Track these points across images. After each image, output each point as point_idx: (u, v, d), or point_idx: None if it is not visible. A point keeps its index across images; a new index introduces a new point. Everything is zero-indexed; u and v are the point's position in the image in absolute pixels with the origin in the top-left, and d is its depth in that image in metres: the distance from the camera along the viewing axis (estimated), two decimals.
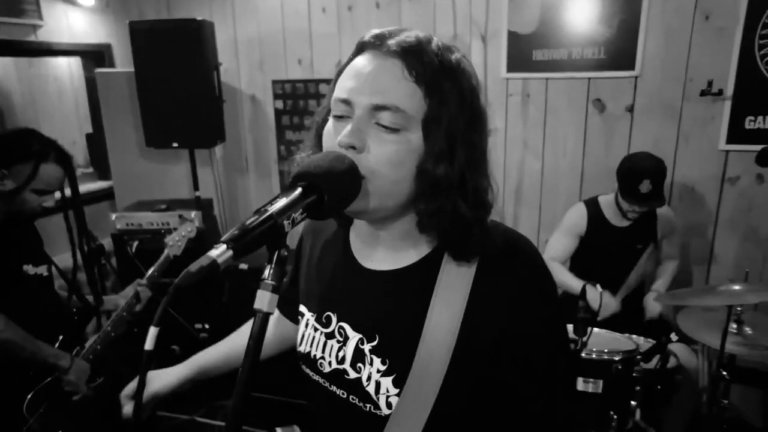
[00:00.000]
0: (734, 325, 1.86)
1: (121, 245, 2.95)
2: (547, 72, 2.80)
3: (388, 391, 0.79)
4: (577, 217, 2.52)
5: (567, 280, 2.41)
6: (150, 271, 2.18)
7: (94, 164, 4.02)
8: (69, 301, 2.07)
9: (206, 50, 3.02)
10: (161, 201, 3.21)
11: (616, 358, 1.80)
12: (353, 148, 0.74)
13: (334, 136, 0.77)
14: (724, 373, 1.85)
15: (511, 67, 2.87)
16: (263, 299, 0.68)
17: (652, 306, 2.42)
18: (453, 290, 0.79)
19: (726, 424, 1.99)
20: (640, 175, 2.24)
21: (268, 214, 0.66)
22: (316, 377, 0.89)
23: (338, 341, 0.86)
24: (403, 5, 3.04)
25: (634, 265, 2.40)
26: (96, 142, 3.81)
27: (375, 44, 0.77)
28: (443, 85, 0.74)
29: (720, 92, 2.50)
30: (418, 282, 0.82)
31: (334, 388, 0.86)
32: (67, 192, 1.94)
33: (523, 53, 2.83)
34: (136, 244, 2.90)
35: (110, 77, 3.42)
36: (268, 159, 3.66)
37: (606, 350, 1.83)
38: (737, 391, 2.51)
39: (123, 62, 3.69)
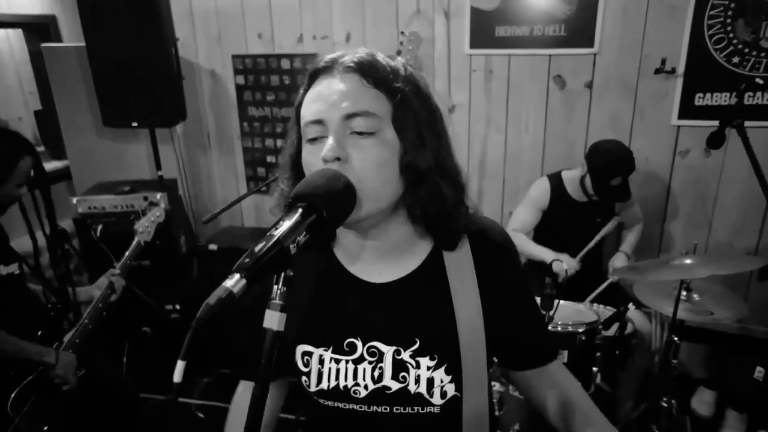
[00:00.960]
0: (684, 293, 2.01)
1: (85, 229, 2.88)
2: (509, 48, 2.85)
3: (442, 382, 0.87)
4: (540, 192, 2.62)
5: (531, 249, 2.54)
6: (123, 259, 2.16)
7: (45, 143, 3.85)
8: (45, 296, 2.04)
9: (163, 24, 2.90)
10: (123, 182, 3.13)
11: (580, 330, 1.93)
12: (338, 159, 0.79)
13: (315, 157, 0.81)
14: (676, 338, 2.02)
15: (475, 43, 2.90)
16: (273, 318, 0.71)
17: (618, 264, 2.55)
18: (463, 276, 0.89)
19: (674, 381, 2.18)
20: (614, 172, 2.34)
21: (275, 239, 0.69)
22: (350, 406, 0.89)
23: (370, 362, 0.88)
24: None
25: (594, 236, 2.53)
26: (48, 119, 3.64)
27: (327, 68, 0.84)
28: (400, 85, 0.82)
29: (673, 70, 2.61)
30: (432, 278, 0.89)
31: (374, 408, 0.88)
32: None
33: (485, 29, 2.86)
34: (100, 227, 2.84)
35: (58, 52, 3.25)
36: (231, 135, 3.60)
37: (570, 323, 1.96)
38: (683, 348, 2.74)
39: (71, 36, 3.51)
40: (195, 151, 3.69)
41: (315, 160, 0.81)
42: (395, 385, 0.88)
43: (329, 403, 0.91)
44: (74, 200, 2.90)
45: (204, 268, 3.22)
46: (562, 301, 2.15)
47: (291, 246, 0.71)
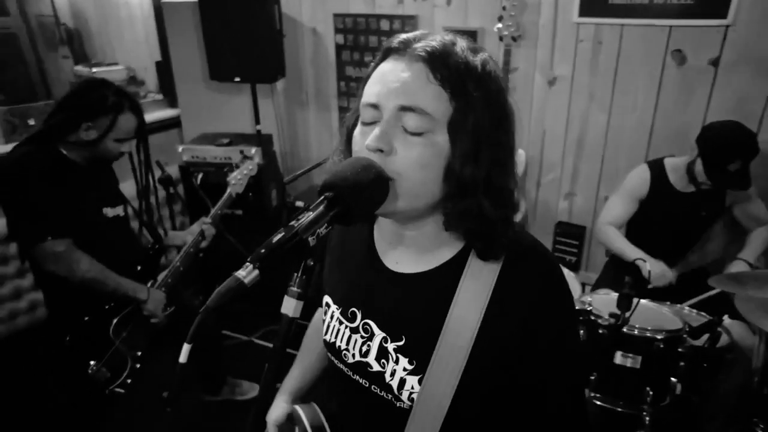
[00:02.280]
0: None
1: (188, 176, 3.11)
2: (623, 17, 2.58)
3: (412, 388, 0.84)
4: (639, 180, 2.40)
5: (622, 247, 2.33)
6: (214, 210, 2.31)
7: (164, 91, 4.17)
8: (140, 235, 2.24)
9: None
10: (224, 134, 3.32)
11: (659, 337, 1.77)
12: (381, 151, 0.77)
13: (362, 141, 0.80)
14: None
15: (584, 11, 2.66)
16: (289, 305, 0.74)
17: (737, 268, 2.25)
18: (475, 288, 0.82)
19: None
20: (734, 154, 2.05)
21: (293, 231, 0.70)
22: (340, 365, 0.95)
23: (362, 336, 0.90)
24: None
25: (697, 238, 2.28)
26: (164, 70, 3.92)
27: (400, 50, 0.79)
28: (468, 87, 0.76)
29: None
30: (443, 284, 0.85)
31: (357, 377, 0.92)
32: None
33: None
34: (200, 176, 3.06)
35: (176, 7, 3.45)
36: (327, 94, 3.66)
37: (649, 328, 1.80)
38: None
39: None
40: (293, 108, 3.81)
41: (361, 143, 0.80)
42: (376, 366, 0.89)
43: (328, 354, 0.98)
44: (180, 149, 3.13)
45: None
46: (644, 301, 1.98)
47: (310, 238, 0.71)
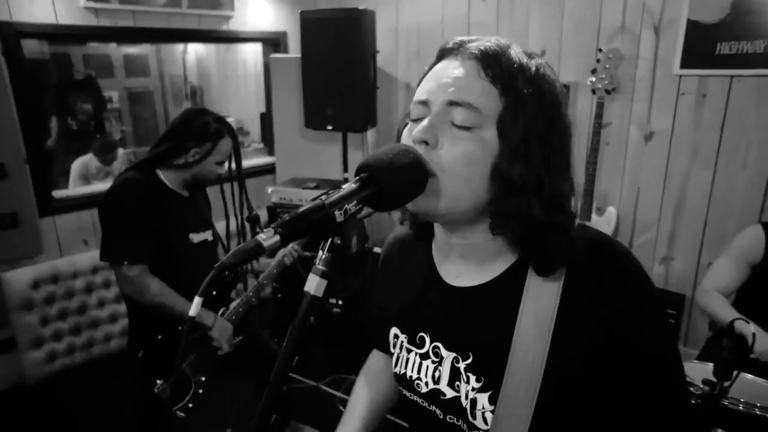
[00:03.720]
0: None
1: (275, 217, 3.25)
2: (732, 68, 2.41)
3: (483, 408, 0.79)
4: (750, 241, 2.13)
5: (729, 316, 2.05)
6: (292, 245, 2.35)
7: (264, 140, 4.48)
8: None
9: (365, 38, 3.15)
10: (312, 179, 3.46)
11: (758, 413, 1.50)
12: (426, 143, 0.74)
13: (409, 136, 0.78)
14: None
15: (687, 62, 2.52)
16: (312, 283, 0.71)
17: None
18: (541, 299, 0.76)
19: None
20: None
21: (320, 203, 0.68)
22: (414, 398, 0.89)
23: (433, 362, 0.86)
24: None
25: None
26: (267, 120, 4.22)
27: (454, 50, 0.79)
28: (519, 85, 0.73)
29: None
30: (504, 295, 0.80)
31: (433, 408, 0.86)
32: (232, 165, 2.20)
33: (703, 46, 2.46)
34: (287, 217, 3.17)
35: (282, 62, 3.75)
36: None
37: (758, 405, 1.53)
38: None
39: (295, 48, 4.02)
40: None
41: (408, 138, 0.79)
42: (450, 393, 0.83)
43: (401, 388, 0.92)
44: (269, 190, 3.29)
45: (371, 270, 3.36)
46: (746, 375, 1.71)
47: (337, 213, 0.69)
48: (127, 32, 3.30)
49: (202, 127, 1.99)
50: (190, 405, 2.00)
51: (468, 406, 0.80)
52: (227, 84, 5.39)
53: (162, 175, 2.02)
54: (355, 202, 0.71)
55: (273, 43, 4.07)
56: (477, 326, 0.82)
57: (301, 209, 0.68)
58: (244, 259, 0.65)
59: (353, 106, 3.28)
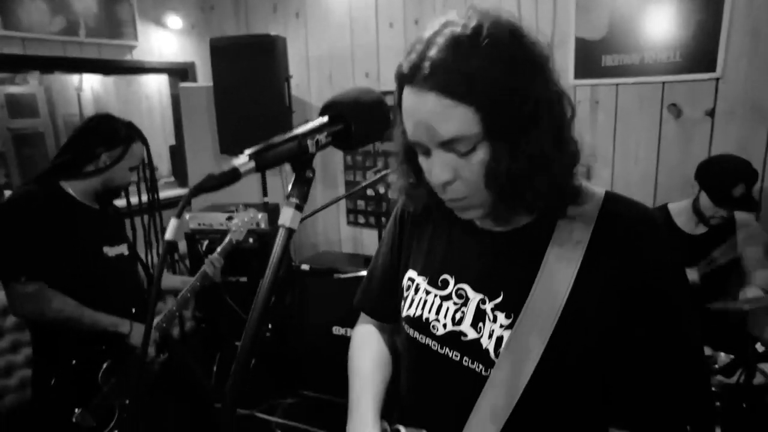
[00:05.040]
0: None
1: (193, 243, 3.10)
2: (617, 77, 2.70)
3: None
4: None
5: None
6: (214, 254, 2.25)
7: (176, 174, 4.30)
8: (146, 281, 2.18)
9: (278, 64, 3.18)
10: (232, 204, 3.36)
11: None
12: (449, 183, 0.78)
13: (428, 172, 0.82)
14: None
15: (579, 73, 2.79)
16: (287, 215, 0.70)
17: (751, 294, 2.12)
18: (570, 243, 0.80)
19: None
20: (735, 179, 2.10)
21: (293, 134, 0.68)
22: (426, 340, 0.90)
23: (455, 303, 0.88)
24: None
25: (712, 283, 2.20)
26: (177, 153, 4.07)
27: (410, 78, 0.77)
28: (484, 85, 0.71)
29: None
30: (534, 239, 0.84)
31: (446, 350, 0.87)
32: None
33: (591, 59, 2.75)
34: (206, 243, 3.05)
35: (192, 92, 3.67)
36: (334, 169, 3.75)
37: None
38: None
39: (204, 77, 3.96)
40: None
41: (428, 174, 0.82)
42: (471, 334, 0.85)
43: (410, 331, 0.93)
44: (186, 216, 3.15)
45: (299, 292, 3.28)
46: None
47: (310, 142, 0.70)
48: (14, 60, 3.05)
49: (111, 131, 1.90)
50: (116, 431, 1.83)
51: (492, 346, 0.81)
52: (131, 118, 5.15)
53: (68, 186, 1.89)
54: (326, 134, 0.72)
55: (180, 73, 3.98)
56: (508, 267, 0.85)
57: (275, 139, 0.69)
58: (221, 182, 0.64)
59: (269, 131, 3.23)
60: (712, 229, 2.23)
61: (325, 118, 0.73)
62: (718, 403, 1.75)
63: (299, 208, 0.70)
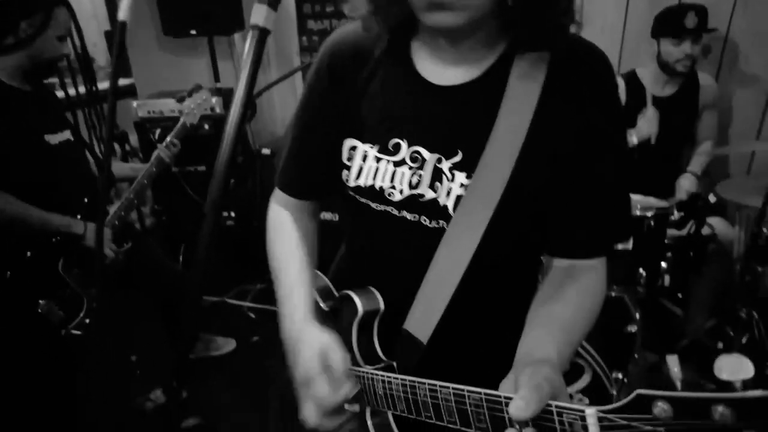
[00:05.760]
0: None
1: (144, 132, 2.95)
2: None
3: None
4: None
5: None
6: (168, 138, 2.14)
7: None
8: (99, 168, 2.06)
9: None
10: (183, 90, 3.16)
11: (649, 214, 1.74)
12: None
13: None
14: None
15: None
16: (260, 13, 0.63)
17: (684, 184, 2.30)
18: (524, 88, 0.77)
19: (757, 290, 1.94)
20: (684, 9, 2.17)
21: None
22: (382, 207, 0.86)
23: (410, 167, 0.83)
24: None
25: (675, 136, 2.29)
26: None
27: None
28: None
29: None
30: (492, 89, 0.79)
31: (404, 213, 0.84)
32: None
33: None
34: (158, 131, 2.89)
35: None
36: (290, 51, 3.54)
37: (639, 206, 1.78)
38: None
39: None
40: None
41: None
42: (429, 194, 0.82)
43: (364, 200, 0.88)
44: (135, 104, 2.96)
45: (261, 176, 3.22)
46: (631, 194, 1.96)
47: None
48: None
49: None
50: (87, 320, 1.80)
51: (451, 203, 0.80)
52: None
53: None
54: None
55: None
56: (467, 123, 0.81)
57: None
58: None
59: (216, 6, 3.01)
60: (678, 91, 2.29)
61: None
62: (669, 254, 1.85)
63: (273, 5, 0.62)
